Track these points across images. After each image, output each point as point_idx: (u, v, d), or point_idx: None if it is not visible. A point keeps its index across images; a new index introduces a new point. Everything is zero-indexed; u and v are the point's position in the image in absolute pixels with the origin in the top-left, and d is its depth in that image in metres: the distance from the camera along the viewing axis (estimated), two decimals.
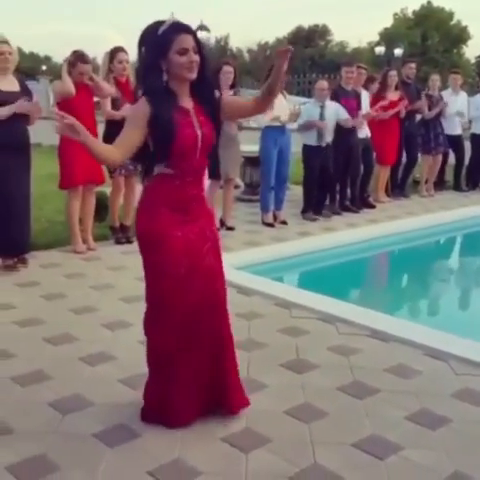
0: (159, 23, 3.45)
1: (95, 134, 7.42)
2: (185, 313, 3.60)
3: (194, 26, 3.61)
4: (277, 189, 9.30)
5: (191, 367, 3.69)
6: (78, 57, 7.23)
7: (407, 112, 11.02)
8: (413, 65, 11.75)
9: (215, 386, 3.80)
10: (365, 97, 10.40)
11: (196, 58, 3.45)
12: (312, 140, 9.45)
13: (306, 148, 9.62)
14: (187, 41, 3.43)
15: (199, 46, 3.48)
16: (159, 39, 3.42)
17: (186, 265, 3.57)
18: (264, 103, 3.73)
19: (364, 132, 10.32)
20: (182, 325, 3.62)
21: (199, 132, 3.55)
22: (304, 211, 9.74)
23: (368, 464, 3.44)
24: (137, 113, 3.49)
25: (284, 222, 9.25)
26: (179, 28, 3.44)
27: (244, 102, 3.92)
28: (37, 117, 6.67)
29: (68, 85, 7.08)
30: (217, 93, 3.76)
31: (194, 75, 3.48)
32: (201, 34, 27.13)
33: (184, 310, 3.60)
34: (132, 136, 3.46)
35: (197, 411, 3.78)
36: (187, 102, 3.58)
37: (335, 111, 9.53)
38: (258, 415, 3.88)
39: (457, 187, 12.85)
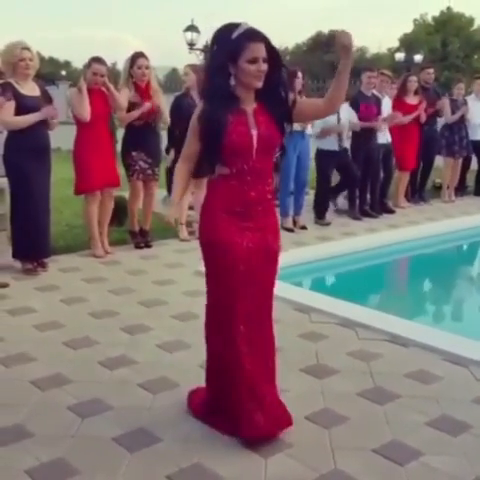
0: (234, 26, 3.41)
1: (110, 141, 7.42)
2: (243, 316, 3.55)
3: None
4: (296, 194, 9.29)
5: (251, 370, 3.62)
6: (93, 59, 7.31)
7: (427, 116, 10.96)
8: (431, 70, 11.73)
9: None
10: (386, 102, 10.37)
11: (264, 68, 3.41)
12: (328, 145, 9.46)
13: (321, 153, 9.63)
14: (259, 50, 3.39)
15: (272, 53, 3.44)
16: (232, 43, 3.38)
17: (244, 272, 3.54)
18: (335, 96, 3.56)
19: (385, 137, 10.28)
20: (243, 327, 3.57)
21: (254, 132, 3.49)
22: (318, 217, 9.75)
23: (388, 470, 3.42)
24: (194, 118, 3.55)
25: (304, 227, 9.25)
26: (253, 35, 3.39)
27: (316, 101, 3.78)
28: (57, 122, 6.69)
29: (84, 112, 7.11)
30: (291, 96, 3.67)
31: (261, 84, 3.45)
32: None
33: (243, 313, 3.55)
34: (194, 145, 3.58)
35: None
36: (249, 105, 3.55)
37: (348, 113, 9.54)
38: None
39: (478, 192, 12.77)
